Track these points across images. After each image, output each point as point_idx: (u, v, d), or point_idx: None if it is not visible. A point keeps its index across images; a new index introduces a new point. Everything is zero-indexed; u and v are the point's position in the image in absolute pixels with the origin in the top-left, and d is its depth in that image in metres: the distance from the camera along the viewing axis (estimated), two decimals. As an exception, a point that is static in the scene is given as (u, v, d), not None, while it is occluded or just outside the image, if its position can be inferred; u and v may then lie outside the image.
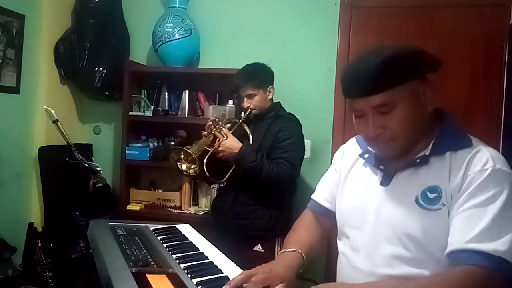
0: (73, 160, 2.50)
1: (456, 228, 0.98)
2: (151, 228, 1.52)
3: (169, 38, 2.81)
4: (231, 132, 2.18)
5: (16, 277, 2.62)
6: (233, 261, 1.21)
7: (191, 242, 1.41)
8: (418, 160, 1.07)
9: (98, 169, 2.53)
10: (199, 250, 1.32)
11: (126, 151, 2.89)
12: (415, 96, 1.03)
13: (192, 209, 2.90)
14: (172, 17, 2.84)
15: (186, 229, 1.56)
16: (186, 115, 2.91)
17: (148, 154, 2.89)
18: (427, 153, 1.06)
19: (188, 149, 2.07)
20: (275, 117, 2.26)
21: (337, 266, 1.25)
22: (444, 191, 1.02)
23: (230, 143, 2.12)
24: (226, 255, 1.27)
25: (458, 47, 2.62)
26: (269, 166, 2.08)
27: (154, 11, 3.05)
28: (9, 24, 2.63)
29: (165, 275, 1.09)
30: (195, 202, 2.97)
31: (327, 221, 1.32)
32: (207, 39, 3.02)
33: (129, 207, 2.93)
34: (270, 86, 2.29)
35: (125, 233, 1.42)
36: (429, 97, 1.05)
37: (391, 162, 1.12)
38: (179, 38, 2.81)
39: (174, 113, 2.94)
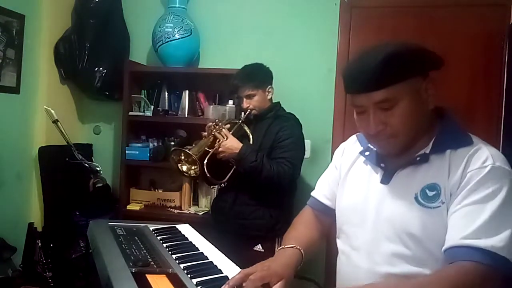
0: (73, 160, 2.51)
1: (454, 224, 0.98)
2: (151, 228, 1.52)
3: (169, 38, 2.81)
4: (231, 132, 2.18)
5: (16, 277, 2.62)
6: (233, 261, 1.21)
7: (191, 242, 1.41)
8: (418, 158, 1.07)
9: (98, 169, 2.53)
10: (199, 250, 1.32)
11: (126, 151, 2.89)
12: (417, 93, 1.03)
13: (192, 209, 2.90)
14: (172, 17, 2.84)
15: (186, 229, 1.56)
16: (186, 115, 2.91)
17: (148, 154, 2.89)
18: (428, 151, 1.06)
19: (189, 150, 2.07)
20: (275, 117, 2.26)
21: (337, 264, 1.25)
22: (443, 189, 1.02)
23: (230, 144, 2.12)
24: (226, 255, 1.27)
25: (458, 47, 2.62)
26: (270, 166, 2.09)
27: (154, 11, 3.05)
28: (9, 24, 2.63)
29: (165, 275, 1.09)
30: (195, 202, 2.98)
31: (327, 218, 1.32)
32: (207, 39, 3.02)
33: (129, 207, 2.93)
34: (269, 86, 2.29)
35: (125, 233, 1.42)
36: (431, 94, 1.05)
37: (391, 160, 1.12)
38: (179, 38, 2.81)
39: (174, 113, 2.94)
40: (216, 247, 1.35)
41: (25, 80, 2.76)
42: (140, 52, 3.15)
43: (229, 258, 1.24)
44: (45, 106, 2.43)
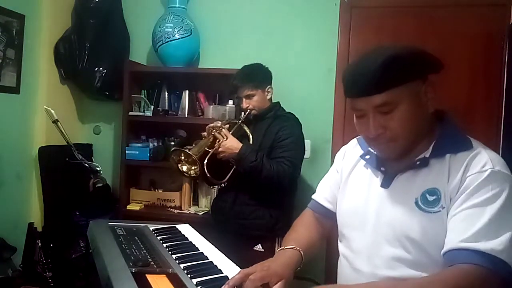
0: (73, 160, 2.51)
1: (454, 227, 0.98)
2: (151, 228, 1.52)
3: (169, 38, 2.81)
4: (230, 132, 2.18)
5: (16, 277, 2.62)
6: (233, 261, 1.21)
7: (191, 242, 1.41)
8: (418, 162, 1.07)
9: (98, 169, 2.53)
10: (199, 250, 1.32)
11: (126, 151, 2.89)
12: (416, 96, 1.03)
13: (192, 209, 2.90)
14: (172, 17, 2.84)
15: (186, 229, 1.56)
16: (186, 115, 2.91)
17: (148, 154, 2.89)
18: (427, 155, 1.06)
19: (188, 150, 2.07)
20: (275, 117, 2.26)
21: (337, 267, 1.25)
22: (443, 193, 1.02)
23: (230, 144, 2.12)
24: (226, 255, 1.27)
25: (458, 47, 2.62)
26: (270, 166, 2.09)
27: (154, 11, 3.05)
28: (9, 24, 2.63)
29: (165, 275, 1.09)
30: (195, 202, 2.97)
31: (327, 221, 1.32)
32: (207, 39, 3.02)
33: (129, 207, 2.93)
34: (269, 86, 2.29)
35: (125, 233, 1.42)
36: (431, 97, 1.05)
37: (391, 163, 1.12)
38: (179, 38, 2.81)
39: (174, 113, 2.94)
40: (216, 247, 1.35)
41: (25, 80, 2.76)
42: (140, 52, 3.15)
43: (229, 258, 1.24)
44: (45, 106, 2.43)
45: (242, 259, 1.22)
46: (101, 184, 2.57)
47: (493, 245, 0.92)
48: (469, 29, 2.63)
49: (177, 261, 1.19)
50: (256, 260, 1.09)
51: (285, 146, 2.15)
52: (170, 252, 1.27)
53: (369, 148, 1.18)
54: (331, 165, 1.37)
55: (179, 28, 2.82)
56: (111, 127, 3.24)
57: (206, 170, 2.08)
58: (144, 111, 2.93)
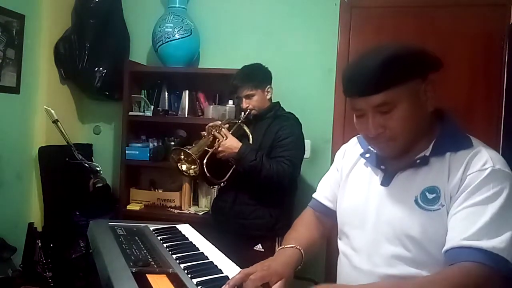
0: (73, 160, 2.50)
1: (455, 226, 0.98)
2: (151, 228, 1.52)
3: (169, 38, 2.81)
4: (230, 132, 2.18)
5: (16, 277, 2.62)
6: (233, 261, 1.21)
7: (191, 242, 1.41)
8: (418, 161, 1.07)
9: (98, 169, 2.53)
10: (199, 250, 1.32)
11: (126, 151, 2.89)
12: (415, 95, 1.03)
13: (192, 209, 2.90)
14: (172, 17, 2.84)
15: (186, 229, 1.56)
16: (186, 115, 2.91)
17: (148, 154, 2.89)
18: (428, 154, 1.06)
19: (188, 149, 2.08)
20: (275, 117, 2.26)
21: (337, 266, 1.25)
22: (443, 191, 1.02)
23: (230, 143, 2.12)
24: (226, 255, 1.27)
25: (458, 47, 2.62)
26: (269, 165, 2.09)
27: (154, 11, 3.06)
28: (9, 24, 2.63)
29: (165, 275, 1.09)
30: (195, 202, 2.97)
31: (328, 220, 1.32)
32: (207, 39, 3.02)
33: (129, 207, 2.93)
34: (268, 86, 2.30)
35: (125, 233, 1.41)
36: (430, 96, 1.05)
37: (391, 162, 1.12)
38: (179, 38, 2.81)
39: (174, 113, 2.94)
40: (216, 247, 1.35)
41: (25, 80, 2.76)
42: (140, 52, 3.15)
43: (229, 258, 1.24)
44: (45, 106, 2.43)
45: (242, 259, 1.22)
46: (101, 184, 2.57)
47: (494, 243, 0.92)
48: (469, 29, 2.63)
49: (177, 261, 1.19)
50: (256, 260, 1.09)
51: (285, 145, 2.15)
52: (170, 252, 1.27)
53: (369, 147, 1.18)
54: (331, 165, 1.37)
55: (179, 28, 2.82)
56: (111, 127, 3.24)
57: (205, 170, 2.08)
58: (144, 111, 2.93)
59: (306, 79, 2.88)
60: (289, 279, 1.06)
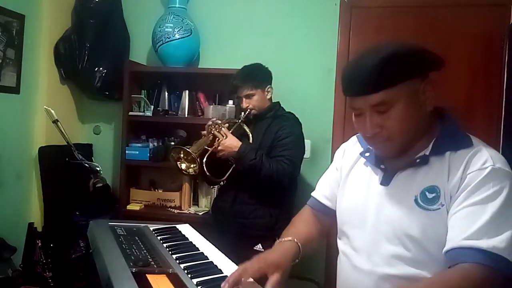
0: (73, 160, 2.50)
1: (455, 225, 0.97)
2: (151, 228, 1.52)
3: (169, 38, 2.81)
4: (230, 132, 2.18)
5: (16, 277, 2.62)
6: (233, 261, 1.21)
7: (191, 242, 1.41)
8: (418, 160, 1.06)
9: (98, 169, 2.52)
10: (199, 250, 1.32)
11: (126, 151, 2.89)
12: (414, 95, 1.02)
13: (192, 209, 2.90)
14: (172, 17, 2.84)
15: (186, 229, 1.56)
16: (186, 115, 2.91)
17: (148, 154, 2.89)
18: (427, 153, 1.06)
19: (188, 148, 2.08)
20: (275, 117, 2.27)
21: (337, 266, 1.25)
22: (443, 191, 1.01)
23: (230, 142, 2.12)
24: (226, 255, 1.27)
25: (458, 47, 2.62)
26: (269, 164, 2.09)
27: (154, 11, 3.05)
28: (9, 24, 2.63)
29: (165, 275, 1.09)
30: (195, 202, 2.97)
31: (326, 219, 1.32)
32: (207, 39, 3.01)
33: (129, 207, 2.93)
34: (268, 86, 2.30)
35: (125, 233, 1.41)
36: (429, 96, 1.04)
37: (391, 161, 1.12)
38: (179, 38, 2.81)
39: (174, 113, 2.94)
40: (216, 247, 1.35)
41: (25, 80, 2.76)
42: (140, 52, 3.15)
43: (229, 258, 1.24)
44: (45, 106, 2.43)
45: (242, 259, 1.21)
46: (101, 184, 2.57)
47: (495, 242, 0.92)
48: (469, 29, 2.63)
49: (177, 261, 1.19)
50: (256, 260, 1.09)
51: (285, 145, 2.15)
52: (170, 252, 1.27)
53: (369, 146, 1.18)
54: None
55: (179, 28, 2.82)
56: (111, 127, 3.24)
57: (205, 169, 2.08)
58: (144, 111, 2.93)
59: (306, 79, 2.88)
60: (286, 270, 1.07)
